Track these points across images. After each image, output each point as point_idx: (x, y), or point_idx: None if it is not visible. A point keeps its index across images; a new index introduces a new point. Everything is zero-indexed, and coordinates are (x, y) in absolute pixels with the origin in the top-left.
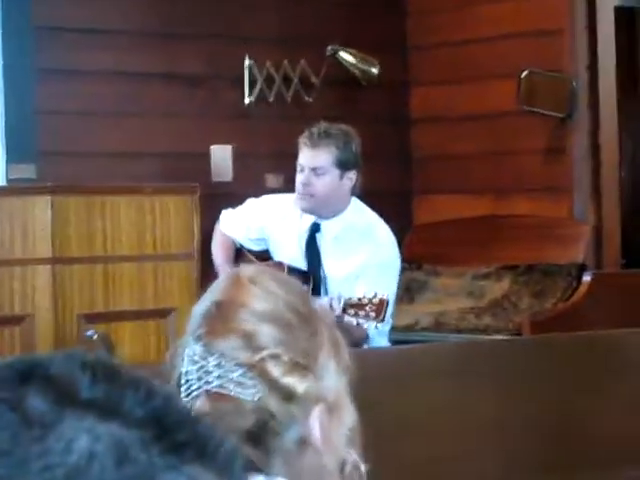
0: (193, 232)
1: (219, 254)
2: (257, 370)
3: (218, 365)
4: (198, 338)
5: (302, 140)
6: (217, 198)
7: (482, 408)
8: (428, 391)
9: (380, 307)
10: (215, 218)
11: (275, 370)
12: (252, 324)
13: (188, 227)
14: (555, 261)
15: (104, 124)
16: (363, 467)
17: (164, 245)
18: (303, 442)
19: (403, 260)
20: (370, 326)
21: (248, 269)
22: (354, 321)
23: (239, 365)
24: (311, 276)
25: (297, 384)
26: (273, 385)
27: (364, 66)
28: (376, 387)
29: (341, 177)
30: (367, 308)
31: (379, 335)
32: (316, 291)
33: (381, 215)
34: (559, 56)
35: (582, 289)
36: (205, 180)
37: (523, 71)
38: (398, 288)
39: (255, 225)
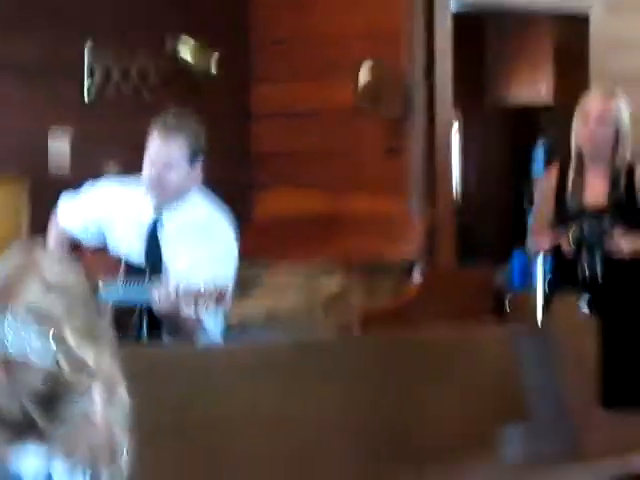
0: (22, 223)
1: (51, 249)
2: (53, 338)
3: (16, 332)
4: None
5: (153, 133)
6: (54, 190)
7: (305, 405)
8: (252, 389)
9: (220, 295)
10: (51, 212)
11: (70, 339)
12: (45, 293)
13: (16, 218)
14: (389, 259)
15: None
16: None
17: None
18: (85, 416)
19: (238, 255)
20: (208, 314)
21: (38, 248)
22: (192, 310)
23: (35, 332)
24: (148, 271)
25: (88, 356)
26: (68, 354)
27: (202, 61)
28: (202, 384)
29: (190, 169)
30: (206, 296)
31: (214, 327)
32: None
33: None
34: (397, 56)
35: (412, 286)
36: (42, 172)
37: (361, 69)
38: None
39: (92, 217)
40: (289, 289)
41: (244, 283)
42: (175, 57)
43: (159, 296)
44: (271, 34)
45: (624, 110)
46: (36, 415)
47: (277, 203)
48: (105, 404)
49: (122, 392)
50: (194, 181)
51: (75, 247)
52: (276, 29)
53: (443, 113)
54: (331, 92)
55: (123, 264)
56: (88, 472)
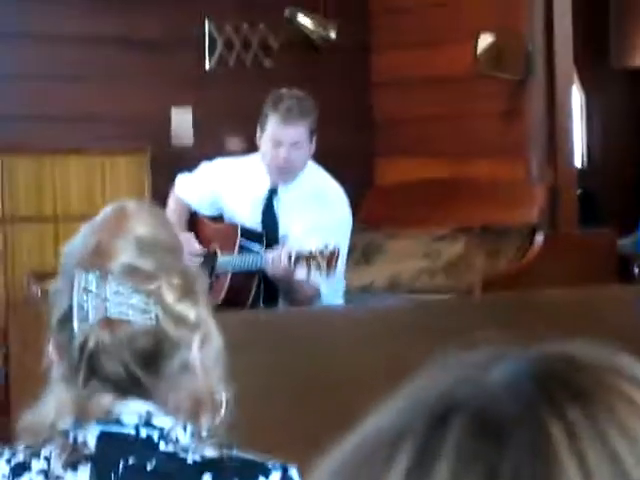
0: (144, 193)
1: (171, 220)
2: (154, 296)
3: (116, 293)
4: (90, 268)
5: (274, 113)
6: (177, 162)
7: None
8: (373, 352)
9: (331, 258)
10: (174, 181)
11: (169, 296)
12: (142, 250)
13: (139, 188)
14: (510, 222)
15: (59, 88)
16: (224, 395)
17: None
18: (185, 366)
19: (362, 222)
20: (322, 278)
21: (130, 203)
22: (305, 273)
23: (136, 292)
24: (264, 236)
25: (189, 310)
26: (168, 310)
27: (322, 30)
28: (327, 343)
29: (310, 145)
30: (319, 259)
31: (334, 294)
32: (270, 248)
33: (342, 177)
34: (516, 19)
35: (534, 249)
36: (165, 144)
37: (479, 34)
38: (350, 250)
39: (209, 190)
40: (411, 255)
41: (367, 250)
42: (295, 27)
43: (272, 260)
44: (389, 2)
45: None
46: (139, 372)
47: (398, 170)
48: (202, 352)
49: (217, 339)
50: (311, 156)
51: (193, 218)
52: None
53: (563, 75)
54: (450, 58)
55: (239, 230)
56: (190, 425)
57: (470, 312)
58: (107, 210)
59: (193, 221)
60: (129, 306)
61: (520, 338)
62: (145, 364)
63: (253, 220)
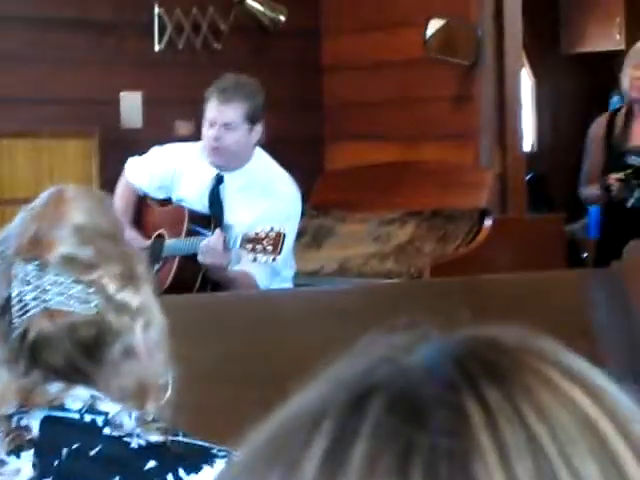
0: (92, 177)
1: (118, 205)
2: (95, 285)
3: (55, 283)
4: (28, 258)
5: (211, 94)
6: (126, 145)
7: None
8: (321, 335)
9: (277, 240)
10: (124, 165)
11: (111, 286)
12: (81, 238)
13: (87, 171)
14: (459, 207)
15: (7, 69)
16: (170, 379)
17: None
18: (128, 352)
19: (312, 207)
20: (261, 268)
21: (67, 189)
22: (251, 256)
23: (76, 282)
24: (212, 218)
25: (131, 297)
26: (109, 299)
27: (272, 13)
28: (275, 327)
29: (250, 131)
30: (264, 242)
31: (281, 280)
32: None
33: (292, 162)
34: (466, 4)
35: (483, 233)
36: (115, 127)
37: (430, 19)
38: (300, 235)
39: (159, 173)
40: (361, 239)
41: (317, 235)
42: (245, 10)
43: (205, 246)
44: None
45: None
46: (82, 361)
47: (348, 154)
48: (145, 336)
49: (160, 322)
50: (254, 141)
51: (142, 202)
52: None
53: (512, 61)
54: (400, 43)
55: (187, 214)
56: (135, 410)
57: (419, 296)
58: (44, 196)
59: (142, 204)
60: (69, 296)
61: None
62: (87, 353)
63: (201, 205)
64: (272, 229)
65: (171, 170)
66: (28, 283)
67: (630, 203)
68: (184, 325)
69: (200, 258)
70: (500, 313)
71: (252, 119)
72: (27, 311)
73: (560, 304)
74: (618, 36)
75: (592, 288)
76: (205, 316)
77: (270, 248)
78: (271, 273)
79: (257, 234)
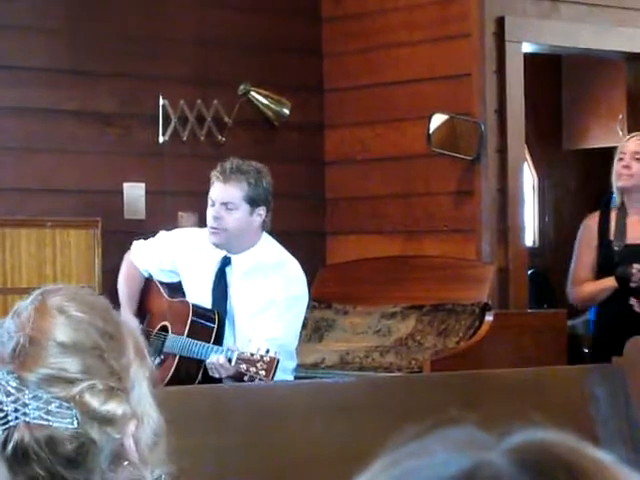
0: (94, 266)
1: (124, 289)
2: (75, 402)
3: (34, 397)
4: (10, 370)
5: (214, 174)
6: (130, 236)
7: (377, 444)
8: (323, 428)
9: (270, 365)
10: (124, 256)
11: (94, 401)
12: (63, 356)
13: (89, 261)
14: (460, 301)
15: (12, 159)
16: (169, 470)
17: (64, 278)
18: (118, 457)
19: (313, 299)
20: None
21: (54, 296)
22: (245, 378)
23: (56, 398)
24: (216, 314)
25: (116, 408)
26: (92, 414)
27: (276, 107)
28: (274, 419)
29: (251, 213)
30: (258, 365)
31: (284, 372)
32: (221, 328)
33: (294, 254)
34: (469, 100)
35: (484, 328)
36: (118, 217)
37: (433, 114)
38: (304, 325)
39: (167, 256)
40: (362, 332)
41: (319, 328)
42: (249, 103)
43: (213, 366)
44: (343, 81)
45: None
46: (66, 473)
47: (350, 248)
48: (137, 435)
49: (155, 418)
50: (256, 224)
51: (148, 285)
52: (348, 76)
53: (515, 156)
54: (402, 137)
55: (191, 308)
56: None
57: (419, 390)
58: (29, 303)
59: (148, 288)
60: (48, 412)
61: (481, 419)
62: (70, 465)
63: (205, 290)
64: (267, 352)
65: (177, 254)
66: (9, 394)
67: None
68: (184, 417)
69: (210, 373)
70: (500, 408)
71: (253, 201)
72: (8, 421)
73: (561, 400)
74: (621, 132)
75: (593, 384)
76: (205, 408)
77: (263, 372)
78: None
79: (252, 355)
